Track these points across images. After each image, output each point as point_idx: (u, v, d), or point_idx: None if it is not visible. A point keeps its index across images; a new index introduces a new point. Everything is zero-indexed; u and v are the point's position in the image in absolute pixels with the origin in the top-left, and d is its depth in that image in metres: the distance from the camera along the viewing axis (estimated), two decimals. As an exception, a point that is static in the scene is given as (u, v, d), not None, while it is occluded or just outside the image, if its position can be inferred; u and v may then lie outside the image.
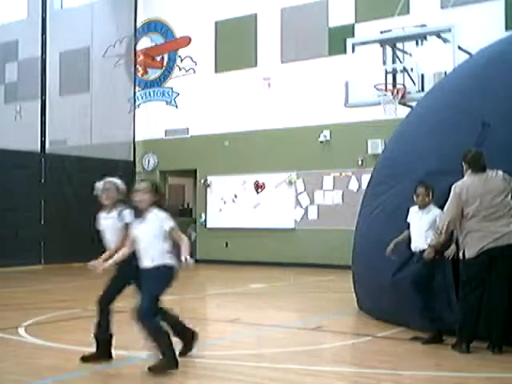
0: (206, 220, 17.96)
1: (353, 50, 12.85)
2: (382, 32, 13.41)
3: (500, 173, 6.06)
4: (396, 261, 6.95)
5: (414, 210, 6.73)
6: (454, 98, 7.68)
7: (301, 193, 16.44)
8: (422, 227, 6.55)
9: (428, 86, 12.23)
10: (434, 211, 6.52)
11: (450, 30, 11.87)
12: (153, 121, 19.22)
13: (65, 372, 5.28)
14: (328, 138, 16.03)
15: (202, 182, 18.05)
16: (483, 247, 5.92)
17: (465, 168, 6.17)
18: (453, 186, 6.13)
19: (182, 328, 5.71)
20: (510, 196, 6.00)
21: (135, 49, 19.21)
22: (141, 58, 19.44)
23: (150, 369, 5.11)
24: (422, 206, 6.59)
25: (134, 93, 19.08)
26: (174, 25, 19.03)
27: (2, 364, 5.67)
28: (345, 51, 13.09)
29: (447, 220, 6.09)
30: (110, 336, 5.57)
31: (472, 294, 5.98)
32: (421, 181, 6.66)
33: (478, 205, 5.97)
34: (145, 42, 19.56)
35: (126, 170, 18.61)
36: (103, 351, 5.53)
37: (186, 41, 18.77)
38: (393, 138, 8.76)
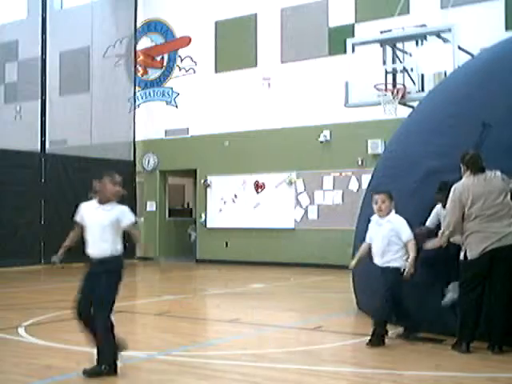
0: (205, 220, 17.97)
1: (353, 50, 12.84)
2: (382, 32, 13.40)
3: (498, 173, 6.07)
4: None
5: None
6: (454, 99, 7.69)
7: (301, 193, 16.44)
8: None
9: (428, 86, 12.23)
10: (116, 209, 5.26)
11: (449, 30, 11.86)
12: (153, 121, 19.22)
13: (65, 372, 5.28)
14: (328, 138, 16.03)
15: (202, 182, 18.05)
16: (485, 248, 5.92)
17: (463, 170, 6.18)
18: (452, 189, 6.13)
19: None
20: (509, 196, 6.01)
21: (135, 49, 19.21)
22: (141, 57, 19.44)
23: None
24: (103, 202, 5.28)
25: (134, 93, 19.08)
26: (174, 25, 19.03)
27: (2, 364, 5.67)
28: (345, 51, 13.08)
29: (452, 223, 6.11)
30: None
31: (472, 293, 5.98)
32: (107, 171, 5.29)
33: (480, 205, 5.97)
34: (145, 42, 19.56)
35: (126, 170, 18.62)
36: None
37: (186, 41, 18.77)
38: (394, 139, 8.76)
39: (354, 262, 6.82)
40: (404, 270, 6.24)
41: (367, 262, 7.89)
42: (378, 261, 6.48)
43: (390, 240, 6.35)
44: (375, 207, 6.42)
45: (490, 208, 5.96)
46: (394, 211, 6.44)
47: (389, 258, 6.35)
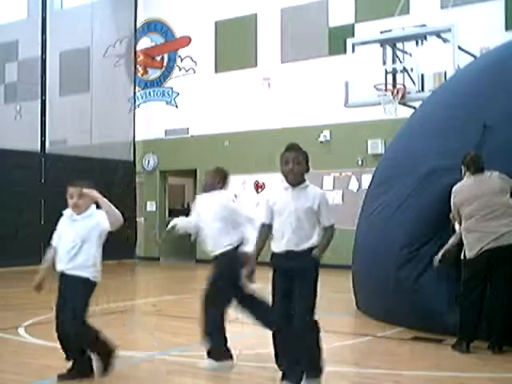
0: (206, 220, 17.92)
1: (353, 50, 12.84)
2: (381, 32, 13.42)
3: (496, 173, 6.11)
4: (398, 260, 6.96)
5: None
6: (456, 100, 7.70)
7: (301, 193, 16.42)
8: None
9: (428, 86, 12.24)
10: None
11: (450, 30, 11.86)
12: (153, 121, 19.22)
13: (65, 372, 5.27)
14: (328, 138, 16.02)
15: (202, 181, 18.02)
16: (482, 247, 5.94)
17: (464, 170, 6.24)
18: (452, 190, 6.21)
19: None
20: (508, 195, 6.03)
21: (135, 49, 19.21)
22: (141, 57, 19.44)
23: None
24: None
25: (134, 93, 19.08)
26: (174, 25, 19.03)
27: (2, 364, 5.67)
28: (345, 51, 13.09)
29: (454, 223, 6.22)
30: None
31: (472, 293, 6.00)
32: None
33: (475, 205, 6.01)
34: (145, 42, 19.56)
35: (126, 170, 18.62)
36: None
37: (186, 41, 18.77)
38: (395, 139, 8.78)
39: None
40: None
41: (366, 262, 7.91)
42: (62, 266, 5.08)
43: (85, 240, 5.01)
44: (70, 202, 5.08)
45: (486, 208, 5.98)
46: (94, 206, 5.11)
47: (78, 264, 5.01)
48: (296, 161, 4.50)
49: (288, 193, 4.56)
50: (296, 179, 4.52)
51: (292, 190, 4.55)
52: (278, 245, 4.56)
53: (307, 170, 4.59)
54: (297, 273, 4.51)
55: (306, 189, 4.56)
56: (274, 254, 4.63)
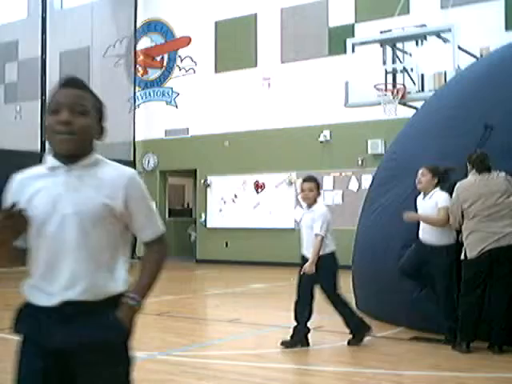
0: (205, 220, 17.97)
1: (353, 50, 12.85)
2: (381, 32, 13.42)
3: (503, 174, 6.09)
4: (398, 260, 6.96)
5: None
6: (457, 101, 7.70)
7: (301, 193, 16.42)
8: None
9: (428, 86, 12.26)
10: None
11: (450, 30, 11.88)
12: (153, 121, 19.22)
13: (65, 372, 5.26)
14: (328, 138, 16.03)
15: (202, 182, 18.05)
16: (484, 248, 5.93)
17: (469, 168, 6.22)
18: (455, 187, 6.18)
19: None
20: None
21: (135, 49, 19.22)
22: (141, 58, 19.45)
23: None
24: None
25: (134, 93, 19.09)
26: (174, 25, 19.04)
27: (2, 364, 5.65)
28: (345, 51, 13.10)
29: (452, 221, 6.18)
30: None
31: (472, 293, 5.99)
32: None
33: (479, 205, 5.99)
34: (145, 42, 19.57)
35: (126, 170, 18.62)
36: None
37: (186, 41, 18.77)
38: (396, 139, 8.78)
39: None
40: None
41: (366, 262, 7.92)
42: None
43: None
44: None
45: (490, 208, 5.97)
46: None
47: None
48: (78, 106, 2.36)
49: (57, 179, 2.24)
50: (76, 143, 2.29)
51: (66, 171, 2.26)
52: (42, 291, 2.32)
53: (100, 134, 2.43)
54: (82, 358, 2.25)
55: (97, 168, 2.27)
56: (21, 314, 2.50)
